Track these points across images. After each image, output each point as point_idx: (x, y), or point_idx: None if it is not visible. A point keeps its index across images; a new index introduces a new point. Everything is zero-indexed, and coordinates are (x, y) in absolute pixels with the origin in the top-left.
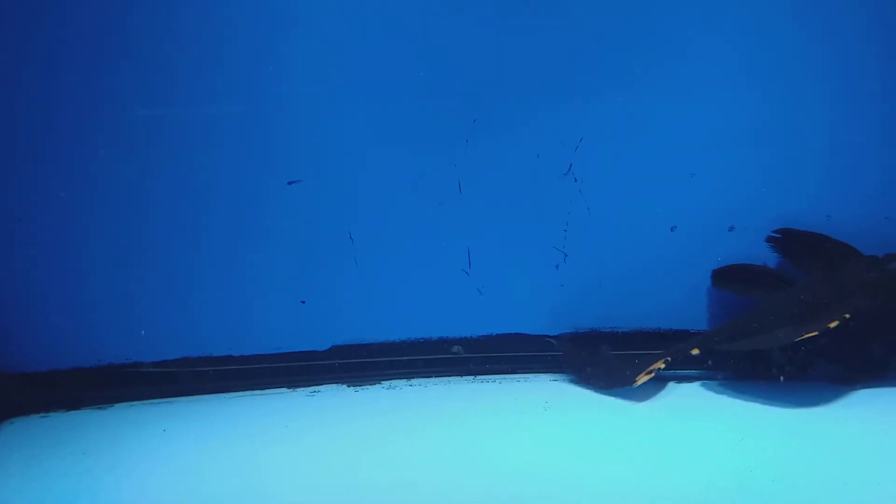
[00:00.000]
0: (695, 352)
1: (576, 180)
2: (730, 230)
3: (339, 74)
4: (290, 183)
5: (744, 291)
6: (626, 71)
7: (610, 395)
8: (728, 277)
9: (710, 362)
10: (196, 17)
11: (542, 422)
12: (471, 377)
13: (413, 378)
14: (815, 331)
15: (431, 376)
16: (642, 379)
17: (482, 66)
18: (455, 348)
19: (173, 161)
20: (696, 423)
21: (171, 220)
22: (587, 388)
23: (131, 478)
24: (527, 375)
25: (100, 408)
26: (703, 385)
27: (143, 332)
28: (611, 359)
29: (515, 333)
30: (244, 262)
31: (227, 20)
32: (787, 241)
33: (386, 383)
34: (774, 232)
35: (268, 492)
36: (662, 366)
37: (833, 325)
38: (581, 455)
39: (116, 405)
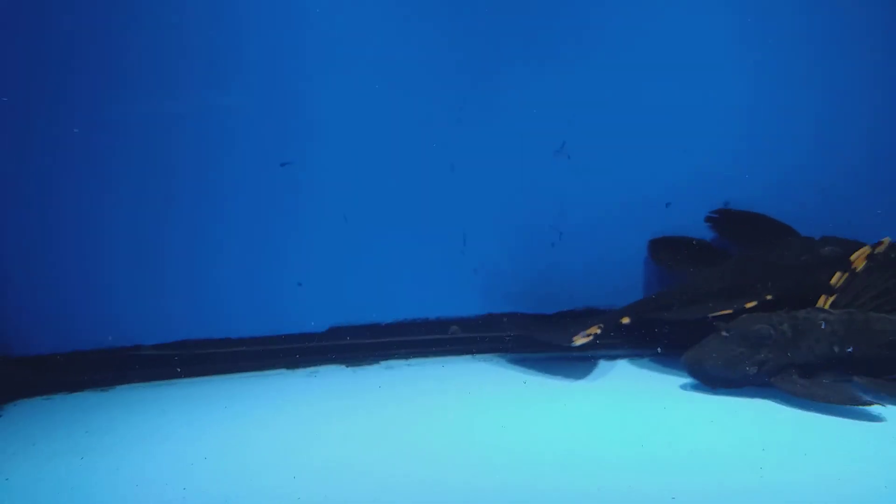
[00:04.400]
0: (625, 320)
1: (569, 158)
2: (725, 205)
3: (331, 57)
4: (282, 165)
5: (677, 265)
6: (620, 48)
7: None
8: (664, 249)
9: (643, 331)
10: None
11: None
12: (468, 356)
13: (411, 357)
14: (729, 310)
15: (428, 356)
16: (580, 340)
17: (472, 47)
18: (452, 328)
19: (169, 146)
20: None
21: (168, 205)
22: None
23: (132, 456)
24: (524, 354)
25: (101, 390)
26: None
27: (143, 316)
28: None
29: (511, 312)
30: (240, 246)
31: (220, 4)
32: (725, 220)
33: (384, 363)
34: (712, 212)
35: (264, 469)
36: (598, 331)
37: (750, 305)
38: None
39: (117, 387)
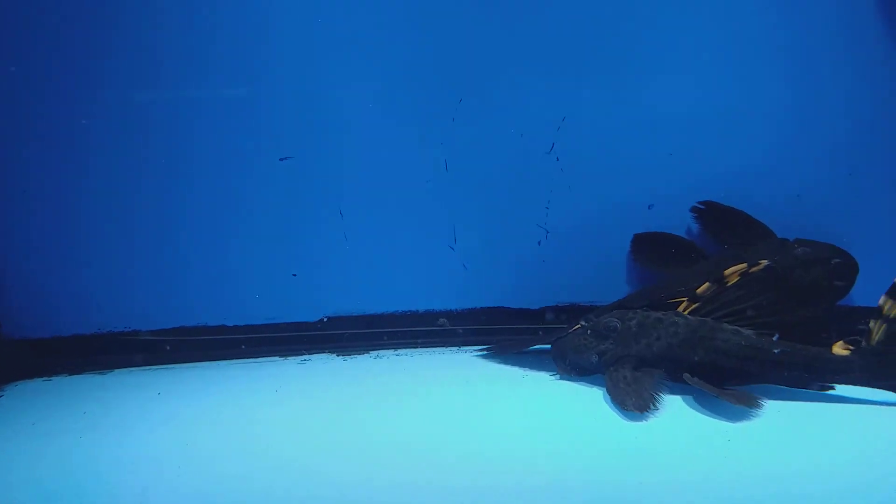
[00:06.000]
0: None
1: (558, 159)
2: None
3: (330, 55)
4: (281, 159)
5: (657, 263)
6: (607, 54)
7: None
8: (647, 245)
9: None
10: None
11: (520, 391)
12: (455, 347)
13: (400, 348)
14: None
15: (418, 346)
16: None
17: (468, 46)
18: (441, 320)
19: (170, 138)
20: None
21: (167, 195)
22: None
23: (129, 437)
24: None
25: (100, 373)
26: None
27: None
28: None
29: (498, 307)
30: (238, 236)
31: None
32: (709, 213)
33: (374, 353)
34: (699, 203)
35: (256, 448)
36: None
37: (702, 289)
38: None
39: (115, 370)
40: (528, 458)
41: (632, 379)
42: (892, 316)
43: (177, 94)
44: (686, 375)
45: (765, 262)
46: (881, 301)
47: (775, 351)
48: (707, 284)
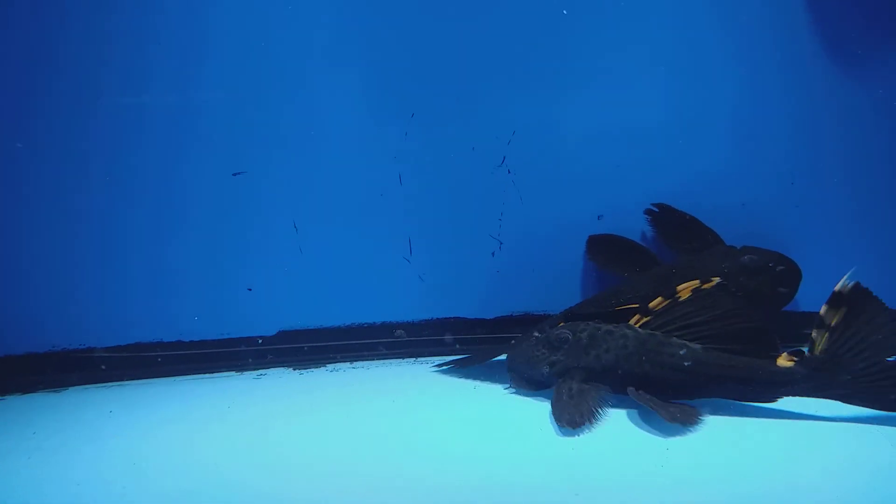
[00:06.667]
0: (561, 324)
1: (509, 172)
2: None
3: (282, 70)
4: (234, 174)
5: (611, 266)
6: (555, 67)
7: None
8: (602, 247)
9: None
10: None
11: (472, 401)
12: (412, 359)
13: (356, 361)
14: (635, 304)
15: (374, 359)
16: None
17: (420, 62)
18: (398, 332)
19: (117, 152)
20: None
21: (117, 211)
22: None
23: (78, 456)
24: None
25: (53, 391)
26: None
27: (94, 319)
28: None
29: (454, 317)
30: (192, 251)
31: (173, 10)
32: (662, 217)
33: (330, 366)
34: (653, 205)
35: (206, 467)
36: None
37: (654, 303)
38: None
39: (70, 388)
40: (459, 466)
41: (577, 391)
42: (832, 324)
43: (121, 103)
44: (630, 390)
45: (717, 280)
46: (822, 311)
47: (720, 364)
48: (660, 299)
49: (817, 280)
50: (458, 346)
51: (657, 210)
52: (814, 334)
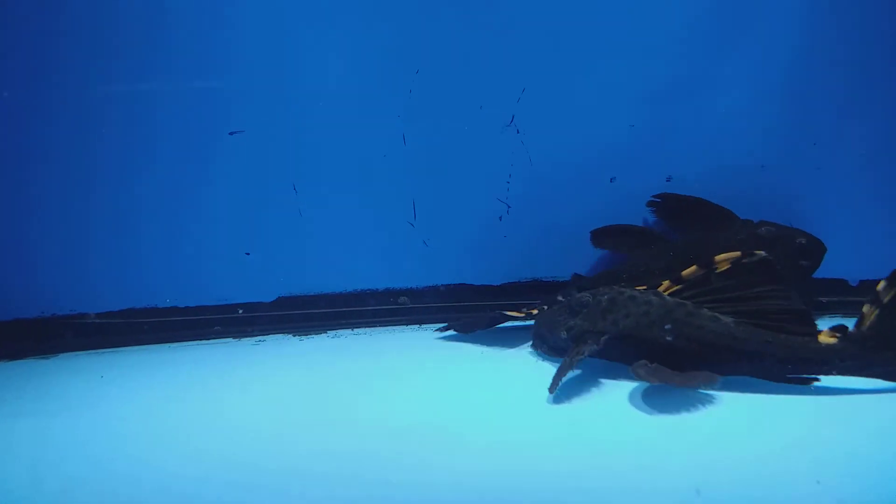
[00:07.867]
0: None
1: (518, 132)
2: (667, 181)
3: (286, 28)
4: (231, 133)
5: (620, 248)
6: (567, 20)
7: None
8: (605, 237)
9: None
10: None
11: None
12: (416, 326)
13: (359, 327)
14: (646, 285)
15: (377, 325)
16: (512, 312)
17: (425, 14)
18: (401, 298)
19: (118, 114)
20: None
21: (115, 172)
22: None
23: (62, 419)
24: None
25: (43, 357)
26: None
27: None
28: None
29: (460, 284)
30: (188, 215)
31: None
32: (666, 205)
33: (331, 332)
34: (654, 197)
35: (193, 431)
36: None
37: (688, 272)
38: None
39: (60, 355)
40: (453, 434)
41: (579, 356)
42: (885, 302)
43: (118, 66)
44: (634, 366)
45: (761, 254)
46: (879, 287)
47: (757, 339)
48: (694, 268)
49: (833, 247)
50: (462, 313)
51: (660, 200)
52: (865, 309)
